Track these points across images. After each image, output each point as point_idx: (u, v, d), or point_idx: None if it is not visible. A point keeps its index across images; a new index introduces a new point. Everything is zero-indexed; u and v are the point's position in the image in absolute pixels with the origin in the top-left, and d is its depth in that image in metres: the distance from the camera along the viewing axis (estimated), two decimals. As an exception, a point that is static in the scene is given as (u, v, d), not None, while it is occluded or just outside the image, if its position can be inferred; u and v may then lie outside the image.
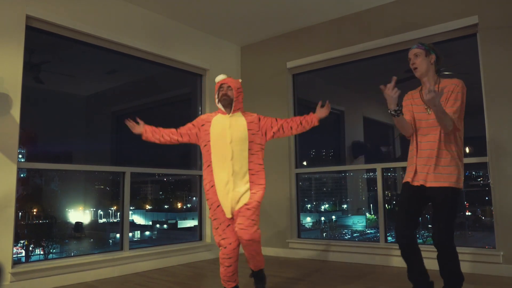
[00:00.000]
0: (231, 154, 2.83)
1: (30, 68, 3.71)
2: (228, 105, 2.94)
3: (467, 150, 4.12)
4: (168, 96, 5.09)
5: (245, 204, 2.80)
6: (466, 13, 3.96)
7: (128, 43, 4.30)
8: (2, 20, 3.39)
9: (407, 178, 2.70)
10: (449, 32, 4.07)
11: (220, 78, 3.01)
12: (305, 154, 5.27)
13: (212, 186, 2.92)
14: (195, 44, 5.09)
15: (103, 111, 4.42)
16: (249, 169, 2.87)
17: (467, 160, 3.99)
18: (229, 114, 2.94)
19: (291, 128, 3.02)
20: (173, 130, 3.01)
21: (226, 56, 5.53)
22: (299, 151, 5.20)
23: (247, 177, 2.87)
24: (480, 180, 4.06)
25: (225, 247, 2.83)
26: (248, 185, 2.85)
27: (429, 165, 2.53)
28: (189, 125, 3.02)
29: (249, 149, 2.89)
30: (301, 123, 3.03)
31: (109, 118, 4.46)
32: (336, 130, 5.29)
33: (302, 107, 5.33)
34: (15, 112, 3.40)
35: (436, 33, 4.12)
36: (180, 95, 5.27)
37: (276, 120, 3.02)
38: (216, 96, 2.98)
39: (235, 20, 4.89)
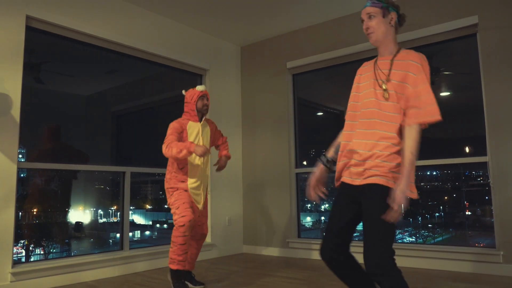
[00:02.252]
0: (203, 158, 3.32)
1: (30, 68, 3.71)
2: (203, 114, 3.42)
3: (467, 150, 4.12)
4: (168, 96, 5.09)
5: (205, 207, 3.46)
6: (466, 13, 3.96)
7: (128, 43, 4.30)
8: (2, 20, 3.39)
9: None
10: (449, 32, 4.07)
11: (202, 88, 3.39)
12: (305, 154, 5.27)
13: (185, 190, 3.28)
14: (195, 44, 5.09)
15: (103, 111, 4.42)
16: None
17: (467, 160, 4.00)
18: (200, 122, 3.37)
19: (221, 148, 3.60)
20: (169, 147, 3.23)
21: (226, 56, 5.53)
22: (299, 151, 5.21)
23: (208, 179, 3.50)
24: (480, 180, 4.06)
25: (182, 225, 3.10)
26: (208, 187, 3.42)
27: None
28: (175, 135, 3.21)
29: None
30: (220, 149, 3.61)
31: (109, 118, 4.46)
32: (336, 130, 5.28)
33: (302, 107, 5.33)
34: (15, 112, 3.40)
35: (436, 33, 4.12)
36: (180, 95, 5.27)
37: (222, 136, 3.63)
38: (194, 102, 3.33)
39: (235, 20, 4.89)
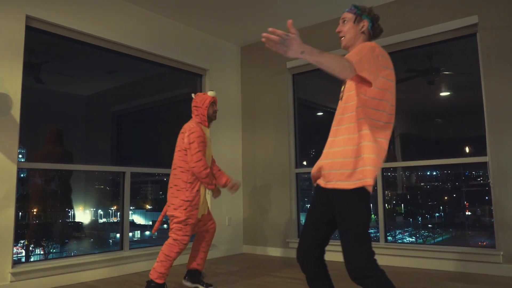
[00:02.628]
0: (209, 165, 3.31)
1: (30, 68, 3.71)
2: (213, 119, 3.39)
3: (467, 150, 4.12)
4: (168, 96, 5.09)
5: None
6: (466, 13, 3.96)
7: (128, 43, 4.30)
8: (2, 20, 3.39)
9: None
10: (449, 32, 4.07)
11: (214, 94, 3.34)
12: (305, 154, 5.27)
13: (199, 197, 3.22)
14: (195, 44, 5.09)
15: (103, 111, 4.42)
16: None
17: (467, 160, 4.01)
18: (208, 128, 3.34)
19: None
20: (209, 170, 3.22)
21: (226, 56, 5.52)
22: (299, 151, 5.20)
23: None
24: (480, 180, 4.06)
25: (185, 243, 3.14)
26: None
27: None
28: (202, 144, 3.18)
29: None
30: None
31: (109, 118, 4.46)
32: (336, 130, 5.27)
33: (302, 107, 5.33)
34: (15, 112, 3.40)
35: (436, 33, 4.12)
36: (180, 95, 5.27)
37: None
38: (206, 107, 3.27)
39: (235, 20, 4.89)
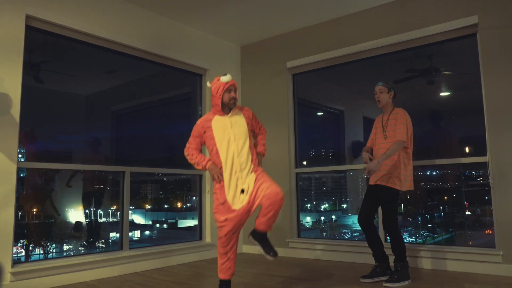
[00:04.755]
0: (237, 152, 2.94)
1: (30, 68, 3.70)
2: (232, 106, 3.04)
3: (467, 150, 4.12)
4: (168, 96, 5.09)
5: (256, 181, 2.91)
6: (466, 13, 3.96)
7: (128, 43, 4.30)
8: (2, 19, 3.39)
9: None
10: (449, 32, 4.07)
11: (228, 78, 3.00)
12: (305, 154, 5.27)
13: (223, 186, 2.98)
14: (195, 44, 5.09)
15: (103, 111, 4.42)
16: (252, 160, 3.00)
17: (467, 160, 4.01)
18: (228, 115, 3.03)
19: (256, 142, 3.25)
20: (195, 152, 3.10)
21: (226, 56, 5.52)
22: (299, 151, 5.20)
23: (251, 168, 2.98)
24: (480, 180, 4.06)
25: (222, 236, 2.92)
26: (252, 174, 2.96)
27: None
28: (195, 139, 3.09)
29: (249, 144, 3.04)
30: (255, 143, 3.24)
31: (109, 117, 4.46)
32: (336, 130, 5.29)
33: (302, 107, 5.33)
34: (15, 112, 3.40)
35: (436, 33, 4.12)
36: (180, 95, 5.27)
37: (259, 128, 3.23)
38: (219, 95, 2.98)
39: (235, 20, 4.88)
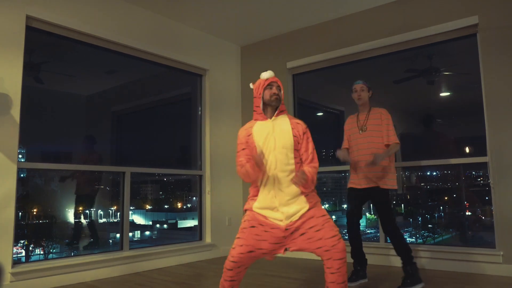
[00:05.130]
0: (274, 163, 2.41)
1: (30, 68, 3.71)
2: (275, 107, 2.54)
3: (467, 150, 4.12)
4: (168, 96, 5.09)
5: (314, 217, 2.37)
6: (466, 13, 3.96)
7: (128, 43, 4.30)
8: (2, 20, 3.39)
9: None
10: (449, 32, 4.07)
11: (269, 74, 2.57)
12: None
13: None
14: (195, 44, 5.09)
15: (103, 111, 4.42)
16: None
17: (467, 160, 4.01)
18: (271, 118, 2.52)
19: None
20: (244, 166, 2.47)
21: (226, 56, 5.52)
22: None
23: (297, 192, 2.41)
24: (480, 180, 4.06)
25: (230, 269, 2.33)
26: (301, 198, 2.41)
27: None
28: (242, 152, 2.53)
29: (294, 157, 2.44)
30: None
31: (109, 118, 4.46)
32: (336, 130, 5.29)
33: (302, 107, 5.33)
34: (15, 112, 3.40)
35: (436, 33, 4.12)
36: (180, 95, 5.27)
37: (308, 144, 2.52)
38: (260, 94, 2.54)
39: (235, 20, 4.88)
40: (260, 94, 2.53)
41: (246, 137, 2.53)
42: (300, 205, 2.38)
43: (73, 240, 4.09)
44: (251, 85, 2.65)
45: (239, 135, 2.58)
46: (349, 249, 3.46)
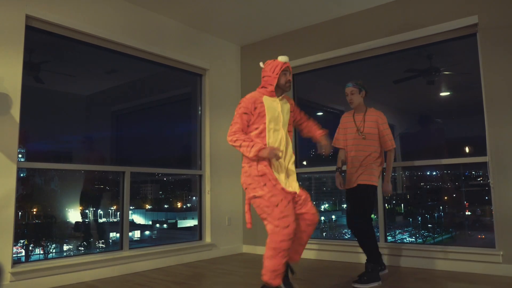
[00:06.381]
0: (285, 138, 2.81)
1: (30, 68, 3.71)
2: (285, 91, 2.89)
3: (467, 150, 4.12)
4: (168, 96, 5.09)
5: (302, 190, 2.80)
6: (466, 13, 3.96)
7: (128, 43, 4.30)
8: (2, 20, 3.39)
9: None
10: (449, 32, 4.07)
11: (286, 59, 2.83)
12: (305, 154, 5.26)
13: (266, 166, 2.71)
14: (195, 44, 5.09)
15: (103, 111, 4.42)
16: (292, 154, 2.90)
17: (467, 160, 4.01)
18: (279, 97, 2.85)
19: (302, 129, 3.12)
20: (242, 135, 2.74)
21: (226, 56, 5.53)
22: (299, 151, 5.20)
23: (293, 159, 2.86)
24: (480, 180, 4.06)
25: (287, 226, 2.55)
26: (293, 168, 2.84)
27: None
28: (242, 117, 2.74)
29: (289, 132, 2.93)
30: (308, 130, 3.11)
31: (109, 117, 4.46)
32: (336, 129, 5.27)
33: (302, 107, 5.33)
34: (15, 112, 3.40)
35: (436, 33, 4.12)
36: (180, 95, 5.27)
37: (300, 112, 3.09)
38: (276, 75, 2.77)
39: (235, 20, 4.89)
40: (277, 74, 2.77)
41: (254, 104, 2.74)
42: (296, 183, 2.81)
43: (84, 240, 4.12)
44: (261, 64, 2.92)
45: (245, 101, 2.75)
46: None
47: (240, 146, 2.68)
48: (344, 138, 3.65)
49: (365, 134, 3.47)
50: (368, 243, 3.35)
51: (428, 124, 4.48)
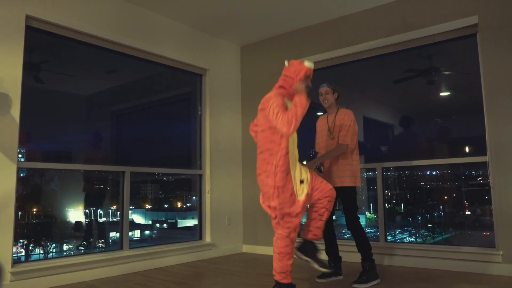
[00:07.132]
0: (296, 140, 3.03)
1: (30, 68, 3.71)
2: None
3: (467, 149, 4.12)
4: (168, 96, 5.09)
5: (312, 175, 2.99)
6: (466, 13, 3.96)
7: (128, 43, 4.30)
8: (2, 20, 3.39)
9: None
10: (449, 32, 4.07)
11: (312, 65, 2.81)
12: (305, 154, 5.26)
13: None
14: (195, 44, 5.09)
15: (103, 111, 4.42)
16: None
17: (467, 160, 4.01)
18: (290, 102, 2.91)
19: None
20: (287, 111, 2.73)
21: (226, 56, 5.53)
22: (299, 151, 5.19)
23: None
24: (480, 180, 4.06)
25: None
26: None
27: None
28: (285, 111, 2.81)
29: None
30: None
31: (109, 117, 4.46)
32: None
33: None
34: (15, 112, 3.40)
35: (436, 33, 4.12)
36: (180, 95, 5.27)
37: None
38: (300, 79, 2.75)
39: (235, 20, 4.89)
40: (300, 79, 2.72)
41: (286, 106, 2.72)
42: (306, 169, 3.06)
43: (85, 240, 4.12)
44: (286, 63, 2.86)
45: (280, 102, 2.69)
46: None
47: (297, 116, 2.58)
48: (318, 142, 3.75)
49: (334, 130, 3.53)
50: (364, 244, 3.41)
51: (429, 124, 4.47)
